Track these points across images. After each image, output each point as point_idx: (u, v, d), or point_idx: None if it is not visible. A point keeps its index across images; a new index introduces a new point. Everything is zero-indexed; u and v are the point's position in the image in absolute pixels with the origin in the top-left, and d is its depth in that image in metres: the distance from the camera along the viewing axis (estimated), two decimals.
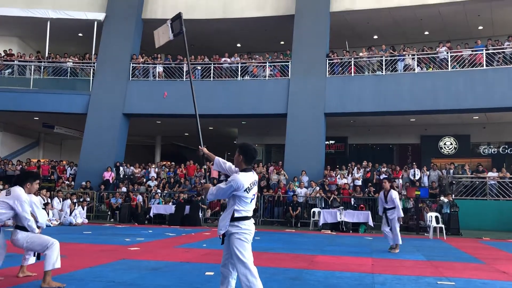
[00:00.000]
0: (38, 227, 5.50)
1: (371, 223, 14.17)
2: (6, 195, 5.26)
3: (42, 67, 20.16)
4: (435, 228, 12.94)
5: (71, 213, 14.74)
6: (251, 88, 18.88)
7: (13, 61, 20.34)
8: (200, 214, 15.63)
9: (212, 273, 6.21)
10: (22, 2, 20.36)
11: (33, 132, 24.11)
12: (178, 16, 5.60)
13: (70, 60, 20.33)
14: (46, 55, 20.48)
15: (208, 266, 6.72)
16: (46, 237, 5.34)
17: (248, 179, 3.89)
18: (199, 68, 19.64)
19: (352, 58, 18.35)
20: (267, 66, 19.19)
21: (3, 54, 20.66)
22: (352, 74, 18.16)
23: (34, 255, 5.60)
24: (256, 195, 4.06)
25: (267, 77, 19.13)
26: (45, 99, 19.15)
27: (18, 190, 5.29)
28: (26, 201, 5.25)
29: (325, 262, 7.66)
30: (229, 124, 22.42)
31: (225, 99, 18.71)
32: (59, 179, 18.95)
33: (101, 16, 20.32)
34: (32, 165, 20.02)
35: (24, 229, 5.26)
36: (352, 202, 15.84)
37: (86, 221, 15.20)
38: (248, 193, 3.88)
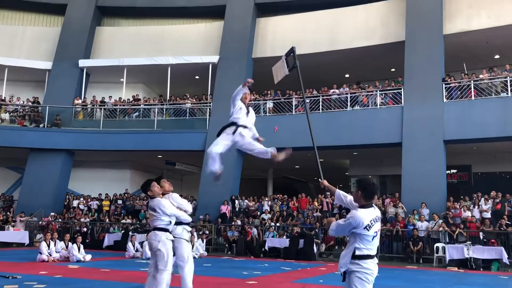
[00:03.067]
0: None
1: (505, 260, 12.75)
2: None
3: (164, 109, 21.92)
4: None
5: (192, 246, 15.46)
6: (362, 118, 18.50)
7: (140, 105, 22.43)
8: (315, 248, 15.41)
9: None
10: (146, 52, 22.53)
11: (157, 169, 26.07)
12: (292, 50, 5.76)
13: (188, 101, 21.86)
14: (168, 97, 22.28)
15: None
16: None
17: (368, 215, 3.73)
18: (307, 101, 19.81)
19: (472, 81, 17.15)
20: (378, 94, 18.72)
21: (131, 99, 22.91)
22: (473, 98, 16.93)
23: None
24: (379, 232, 3.86)
25: (378, 106, 18.64)
26: (167, 138, 20.68)
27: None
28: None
29: None
30: (340, 155, 22.09)
31: (335, 130, 18.53)
32: None
33: (215, 58, 21.67)
34: None
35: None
36: (481, 237, 14.43)
37: (206, 253, 15.82)
38: (368, 230, 3.70)
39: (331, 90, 19.80)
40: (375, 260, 3.75)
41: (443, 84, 17.45)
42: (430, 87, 17.55)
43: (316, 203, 18.64)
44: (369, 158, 21.12)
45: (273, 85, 21.61)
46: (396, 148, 17.74)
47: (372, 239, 3.74)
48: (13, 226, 18.23)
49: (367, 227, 3.69)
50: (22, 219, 19.12)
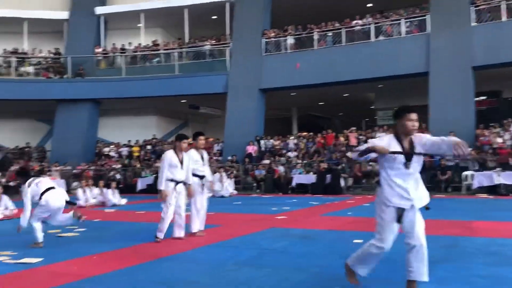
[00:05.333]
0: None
1: None
2: None
3: (184, 53, 21.72)
4: None
5: (222, 186, 15.83)
6: (386, 49, 17.96)
7: (159, 50, 22.27)
8: (342, 182, 15.56)
9: (361, 241, 6.14)
10: None
11: (181, 114, 26.31)
12: None
13: (207, 43, 21.54)
14: (186, 41, 22.00)
15: (355, 234, 6.67)
16: None
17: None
18: (330, 34, 19.26)
19: (504, 1, 16.20)
20: (403, 22, 17.99)
21: (151, 44, 22.73)
22: (504, 19, 16.09)
23: None
24: None
25: (403, 35, 17.98)
26: (189, 82, 20.65)
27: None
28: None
29: (485, 228, 7.07)
30: (364, 89, 21.72)
31: (359, 63, 18.10)
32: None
33: None
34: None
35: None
36: (511, 163, 14.26)
37: (235, 192, 16.22)
38: None
39: (354, 22, 19.13)
40: None
41: (472, 7, 16.60)
42: (457, 11, 16.76)
43: (342, 139, 18.62)
44: (395, 90, 20.68)
45: (293, 20, 21.06)
46: (422, 78, 17.29)
47: None
48: (49, 176, 18.93)
49: None
50: (56, 168, 19.84)
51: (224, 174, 16.64)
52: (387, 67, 17.69)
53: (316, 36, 19.33)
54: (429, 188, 13.73)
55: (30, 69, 22.17)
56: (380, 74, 18.01)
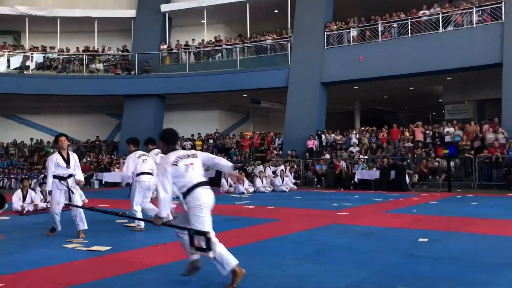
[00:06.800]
0: None
1: None
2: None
3: (246, 48, 21.88)
4: None
5: (282, 180, 15.82)
6: (456, 39, 17.08)
7: (221, 46, 22.60)
8: (407, 179, 15.04)
9: (426, 240, 5.91)
10: None
11: (243, 108, 26.57)
12: None
13: (268, 37, 21.56)
14: (248, 36, 22.14)
15: (420, 233, 6.42)
16: None
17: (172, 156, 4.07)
18: (395, 25, 18.61)
19: None
20: (475, 11, 17.02)
21: (213, 40, 23.12)
22: None
23: None
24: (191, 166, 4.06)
25: (474, 24, 17.02)
26: (250, 77, 20.78)
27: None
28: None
29: None
30: (432, 81, 20.80)
31: (426, 55, 17.36)
32: (268, 149, 20.61)
33: None
34: (245, 137, 22.24)
35: None
36: None
37: (295, 187, 16.16)
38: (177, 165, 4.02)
39: (421, 12, 18.35)
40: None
41: None
42: None
43: (407, 133, 18.00)
44: (465, 82, 19.66)
45: (356, 12, 20.57)
46: (495, 69, 16.30)
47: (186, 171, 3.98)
48: (117, 168, 19.82)
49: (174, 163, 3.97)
50: (124, 161, 20.73)
51: (285, 168, 16.60)
52: (457, 58, 16.83)
53: (380, 28, 18.77)
54: (501, 187, 12.94)
55: (100, 66, 23.30)
56: (449, 66, 17.16)
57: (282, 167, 16.64)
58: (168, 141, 4.28)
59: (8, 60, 22.00)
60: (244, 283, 3.92)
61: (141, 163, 7.28)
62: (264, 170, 16.65)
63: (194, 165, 4.07)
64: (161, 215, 3.99)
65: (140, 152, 7.48)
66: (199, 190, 3.99)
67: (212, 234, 3.84)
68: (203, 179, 4.10)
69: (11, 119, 24.77)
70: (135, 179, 7.27)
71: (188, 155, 4.13)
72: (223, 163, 4.42)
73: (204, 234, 3.77)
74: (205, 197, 4.01)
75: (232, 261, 3.83)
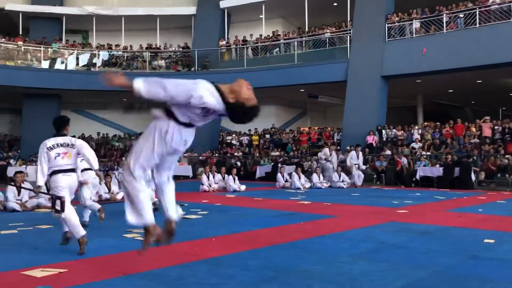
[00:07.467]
0: None
1: None
2: None
3: (304, 42, 21.68)
4: None
5: (339, 176, 15.56)
6: None
7: (279, 40, 22.53)
8: (473, 176, 14.28)
9: (492, 241, 5.57)
10: None
11: (300, 103, 26.38)
12: None
13: (327, 31, 21.22)
14: (306, 29, 21.91)
15: (486, 233, 6.06)
16: None
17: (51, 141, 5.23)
18: (461, 16, 17.68)
19: None
20: None
21: (271, 35, 23.10)
22: None
23: None
24: (62, 154, 5.19)
25: None
26: (308, 71, 20.55)
27: None
28: None
29: None
30: (502, 74, 19.55)
31: (496, 46, 16.33)
32: (326, 144, 20.31)
33: None
34: (303, 133, 22.08)
35: None
36: None
37: (359, 183, 15.77)
38: (50, 151, 5.16)
39: (490, 0, 17.31)
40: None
41: None
42: None
43: (473, 129, 17.10)
44: None
45: (419, 2, 19.79)
46: None
47: (55, 158, 5.11)
48: (178, 161, 20.39)
49: (49, 148, 5.13)
50: (185, 155, 21.27)
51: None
52: None
53: (445, 19, 17.91)
54: None
55: (162, 63, 23.99)
56: None
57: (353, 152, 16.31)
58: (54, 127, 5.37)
59: (77, 58, 23.19)
60: (297, 279, 3.88)
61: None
62: (330, 154, 16.33)
63: (66, 154, 5.18)
64: (38, 183, 5.14)
65: None
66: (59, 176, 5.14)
67: (67, 200, 4.95)
68: (70, 167, 5.21)
69: (79, 114, 26.12)
70: None
71: (62, 144, 5.20)
72: (92, 160, 5.44)
73: (60, 198, 4.86)
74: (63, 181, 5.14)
75: (80, 231, 4.91)
